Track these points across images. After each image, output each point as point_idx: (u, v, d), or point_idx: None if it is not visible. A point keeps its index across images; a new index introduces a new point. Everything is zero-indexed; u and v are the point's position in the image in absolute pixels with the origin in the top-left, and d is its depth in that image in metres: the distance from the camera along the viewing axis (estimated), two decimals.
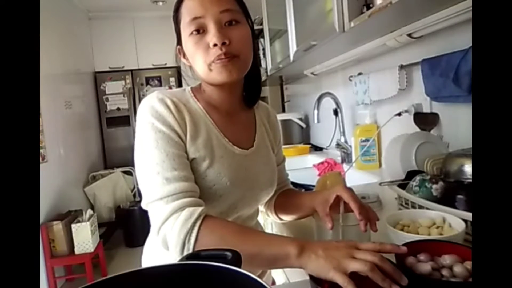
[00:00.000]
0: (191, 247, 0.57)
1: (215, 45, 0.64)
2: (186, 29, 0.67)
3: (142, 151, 0.64)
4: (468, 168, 0.75)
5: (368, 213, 0.65)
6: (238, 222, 0.76)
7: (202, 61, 0.66)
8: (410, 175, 0.95)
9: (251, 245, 0.56)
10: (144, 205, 0.64)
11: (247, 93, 0.79)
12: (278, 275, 1.10)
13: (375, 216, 0.66)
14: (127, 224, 3.24)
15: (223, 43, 0.64)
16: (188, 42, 0.67)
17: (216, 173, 0.67)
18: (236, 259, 0.52)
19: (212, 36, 0.64)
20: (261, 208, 0.91)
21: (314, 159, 2.00)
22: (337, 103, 1.84)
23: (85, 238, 2.49)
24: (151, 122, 0.64)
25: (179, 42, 0.72)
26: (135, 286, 0.45)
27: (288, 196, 0.85)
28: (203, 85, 0.74)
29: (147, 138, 0.63)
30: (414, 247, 0.58)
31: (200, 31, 0.65)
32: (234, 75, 0.67)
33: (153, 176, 0.61)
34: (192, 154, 0.66)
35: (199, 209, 0.60)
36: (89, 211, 2.67)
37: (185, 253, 0.58)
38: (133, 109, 4.16)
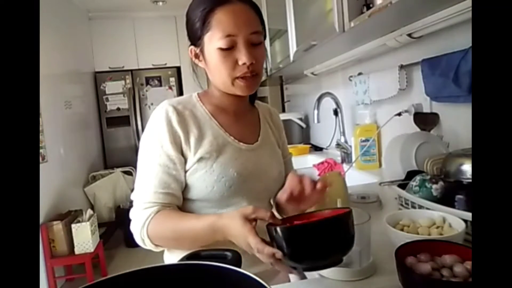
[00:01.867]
0: (147, 242, 0.72)
1: (244, 63, 0.71)
2: (214, 41, 0.71)
3: (145, 161, 0.75)
4: (468, 168, 0.75)
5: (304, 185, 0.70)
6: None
7: (227, 75, 0.72)
8: (410, 175, 0.95)
9: (184, 226, 0.69)
10: (132, 196, 0.76)
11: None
12: None
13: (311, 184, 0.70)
14: (127, 224, 3.21)
15: (251, 63, 0.71)
16: (214, 54, 0.72)
17: (222, 166, 0.75)
18: (236, 259, 0.52)
19: (242, 55, 0.70)
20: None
21: (314, 159, 2.00)
22: (337, 103, 1.84)
23: (85, 238, 2.49)
24: (156, 144, 0.74)
25: (194, 44, 0.77)
26: (135, 286, 0.45)
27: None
28: (213, 89, 0.81)
29: (151, 154, 0.74)
30: (414, 247, 0.58)
31: (229, 46, 0.71)
32: (252, 91, 0.77)
33: (147, 182, 0.74)
34: (199, 154, 0.74)
35: (149, 211, 0.71)
36: (89, 211, 2.66)
37: (147, 247, 0.74)
38: (133, 109, 4.16)
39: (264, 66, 0.89)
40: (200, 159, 0.74)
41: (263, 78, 2.66)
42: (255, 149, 0.82)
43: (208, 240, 0.66)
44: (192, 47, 0.77)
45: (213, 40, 0.71)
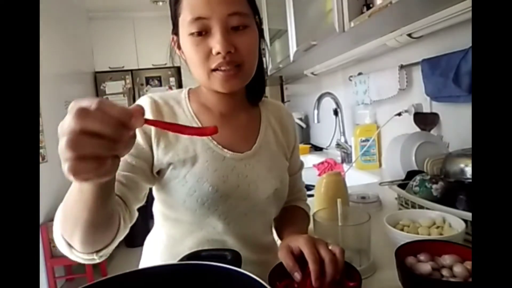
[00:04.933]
0: (61, 242, 0.52)
1: (218, 53, 0.58)
2: (185, 26, 0.59)
3: None
4: (468, 168, 0.75)
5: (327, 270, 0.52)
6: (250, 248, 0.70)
7: (201, 67, 0.61)
8: (410, 175, 0.95)
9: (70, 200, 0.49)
10: None
11: (250, 90, 0.73)
12: None
13: (333, 272, 0.51)
14: None
15: (228, 52, 0.58)
16: (187, 41, 0.60)
17: (196, 178, 0.63)
18: (236, 259, 0.52)
19: (216, 43, 0.57)
20: None
21: (314, 159, 2.00)
22: (337, 103, 1.84)
23: None
24: None
25: (175, 31, 0.66)
26: (135, 286, 0.45)
27: (281, 216, 0.76)
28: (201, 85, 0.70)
29: None
30: (414, 247, 0.58)
31: (203, 33, 0.59)
32: (235, 87, 0.62)
33: None
34: (169, 158, 0.63)
35: None
36: None
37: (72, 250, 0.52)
38: None
39: (266, 65, 0.76)
40: (172, 165, 0.63)
41: None
42: (245, 159, 0.67)
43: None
44: (173, 35, 0.67)
45: (184, 25, 0.59)
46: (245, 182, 0.66)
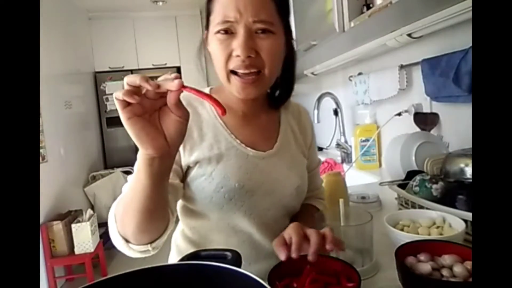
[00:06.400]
0: (120, 239, 0.59)
1: (237, 55, 0.61)
2: (213, 25, 0.63)
3: None
4: (468, 168, 0.75)
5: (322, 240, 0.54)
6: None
7: (223, 66, 0.63)
8: (410, 175, 0.95)
9: (129, 189, 0.53)
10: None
11: (274, 94, 0.77)
12: None
13: (317, 240, 0.53)
14: None
15: (248, 56, 0.61)
16: (213, 39, 0.64)
17: (222, 175, 0.66)
18: (236, 259, 0.52)
19: (237, 46, 0.60)
20: None
21: None
22: (337, 103, 1.84)
23: (85, 238, 2.49)
24: None
25: (207, 27, 0.68)
26: (135, 286, 0.45)
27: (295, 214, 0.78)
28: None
29: None
30: (414, 247, 0.58)
31: (228, 32, 0.62)
32: (251, 95, 0.64)
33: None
34: (195, 157, 0.66)
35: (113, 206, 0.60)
36: (89, 211, 2.67)
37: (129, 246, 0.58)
38: None
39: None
40: (198, 164, 0.66)
41: None
42: (267, 157, 0.71)
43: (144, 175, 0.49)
44: (206, 31, 0.69)
45: (213, 24, 0.63)
46: (268, 179, 0.70)
